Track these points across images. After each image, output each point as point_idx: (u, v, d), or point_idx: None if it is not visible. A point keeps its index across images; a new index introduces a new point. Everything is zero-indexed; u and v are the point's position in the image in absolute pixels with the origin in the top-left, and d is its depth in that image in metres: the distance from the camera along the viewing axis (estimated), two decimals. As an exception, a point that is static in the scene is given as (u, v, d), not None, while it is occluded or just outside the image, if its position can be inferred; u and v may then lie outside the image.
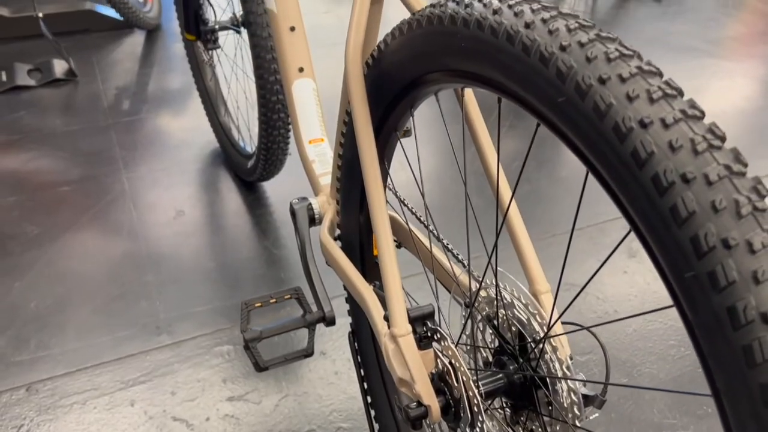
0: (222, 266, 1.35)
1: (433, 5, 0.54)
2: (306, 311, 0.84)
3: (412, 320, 0.62)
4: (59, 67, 1.98)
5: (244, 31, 1.27)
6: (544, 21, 0.45)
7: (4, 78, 1.93)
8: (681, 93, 0.40)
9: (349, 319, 0.93)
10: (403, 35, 0.59)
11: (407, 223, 0.80)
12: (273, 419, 1.04)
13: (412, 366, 0.61)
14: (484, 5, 0.48)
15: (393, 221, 0.84)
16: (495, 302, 0.64)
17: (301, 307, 0.84)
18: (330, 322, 0.84)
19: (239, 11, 1.31)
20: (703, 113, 0.38)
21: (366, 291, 0.76)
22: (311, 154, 1.00)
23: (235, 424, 1.03)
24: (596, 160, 0.41)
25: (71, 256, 1.36)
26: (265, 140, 1.34)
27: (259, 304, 0.82)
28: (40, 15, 1.89)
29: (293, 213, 0.93)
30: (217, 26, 1.37)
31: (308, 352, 0.83)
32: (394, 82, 0.63)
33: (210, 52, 1.44)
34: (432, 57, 0.55)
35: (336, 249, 0.84)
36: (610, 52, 0.41)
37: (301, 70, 1.00)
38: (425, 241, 0.79)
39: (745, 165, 0.36)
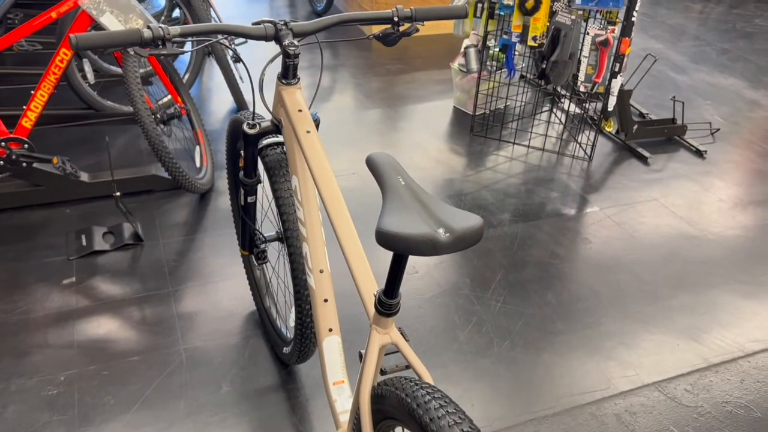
0: (259, 443, 1.68)
1: (405, 393, 0.91)
2: None
3: None
4: (128, 231, 2.38)
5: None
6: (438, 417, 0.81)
7: (84, 242, 2.33)
8: None
9: None
10: (384, 397, 0.95)
11: None
12: None
13: None
14: (428, 414, 0.85)
15: None
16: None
17: None
18: None
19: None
20: None
21: None
22: (334, 394, 1.34)
23: None
24: None
25: (141, 426, 1.70)
26: (300, 329, 1.68)
27: None
28: (118, 194, 2.30)
29: (319, 446, 1.26)
30: (266, 247, 1.74)
31: None
32: (382, 412, 0.99)
33: (260, 264, 1.82)
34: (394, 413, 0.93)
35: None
36: None
37: (330, 330, 1.36)
38: None
39: None
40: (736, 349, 2.10)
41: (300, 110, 1.36)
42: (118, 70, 3.25)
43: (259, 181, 1.63)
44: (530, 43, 3.03)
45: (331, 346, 1.36)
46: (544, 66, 2.97)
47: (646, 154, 3.19)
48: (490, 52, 3.28)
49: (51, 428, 1.69)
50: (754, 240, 2.66)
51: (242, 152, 1.62)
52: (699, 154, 3.27)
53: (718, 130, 3.53)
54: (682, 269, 2.46)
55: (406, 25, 1.37)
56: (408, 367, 1.02)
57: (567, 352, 2.05)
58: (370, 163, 1.00)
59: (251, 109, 1.56)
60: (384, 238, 0.82)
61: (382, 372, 1.06)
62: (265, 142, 1.54)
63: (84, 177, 2.56)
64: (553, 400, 1.88)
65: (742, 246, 2.62)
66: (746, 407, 1.89)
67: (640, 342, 2.11)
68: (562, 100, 3.63)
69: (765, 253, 2.59)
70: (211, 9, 3.34)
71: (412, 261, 2.39)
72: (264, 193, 1.86)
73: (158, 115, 2.55)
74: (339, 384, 1.35)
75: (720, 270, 2.47)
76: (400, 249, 0.81)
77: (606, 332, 2.14)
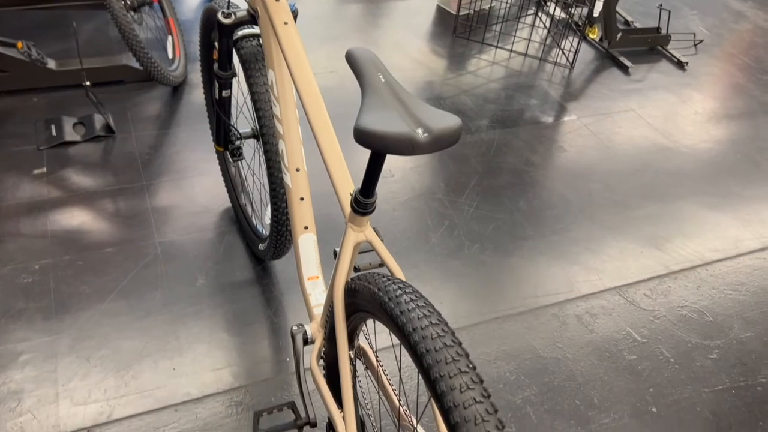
0: (232, 332, 1.74)
1: (377, 287, 0.93)
2: (297, 417, 1.23)
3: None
4: (99, 123, 2.33)
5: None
6: (422, 328, 0.84)
7: (53, 132, 2.27)
8: (481, 381, 0.78)
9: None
10: (357, 291, 0.98)
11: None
12: None
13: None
14: (398, 307, 0.88)
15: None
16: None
17: (294, 414, 1.23)
18: (314, 425, 1.23)
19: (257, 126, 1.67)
20: (489, 395, 0.77)
21: (338, 418, 1.15)
22: (309, 288, 1.38)
23: None
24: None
25: (117, 314, 1.74)
26: (276, 227, 1.70)
27: (266, 413, 1.22)
28: (88, 83, 2.22)
29: (293, 336, 1.31)
30: (241, 144, 1.72)
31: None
32: (354, 305, 1.02)
33: (235, 161, 1.80)
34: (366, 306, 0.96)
35: (320, 377, 1.24)
36: (448, 356, 0.80)
37: (306, 228, 1.37)
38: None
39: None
40: (696, 258, 2.19)
41: None
42: (84, -51, 3.04)
43: (234, 75, 1.59)
44: (519, -60, 2.91)
45: (307, 243, 1.38)
46: (532, -34, 2.86)
47: (627, 63, 3.16)
48: (478, -52, 3.15)
49: (28, 314, 1.72)
50: (725, 154, 2.71)
51: (216, 44, 1.57)
52: (680, 65, 3.25)
53: (702, 41, 3.50)
54: (652, 180, 2.51)
55: None
56: (381, 264, 1.05)
57: (534, 256, 2.12)
58: (350, 58, 0.97)
59: None
60: (362, 136, 0.81)
61: (356, 269, 1.09)
62: (240, 33, 1.49)
63: (51, 64, 2.46)
64: (518, 301, 1.96)
65: (712, 159, 2.66)
66: (699, 312, 2.00)
67: (606, 249, 2.18)
68: (548, 3, 3.54)
69: (734, 166, 2.64)
70: None
71: (388, 164, 2.39)
72: (239, 87, 1.82)
73: (128, 1, 2.42)
74: (314, 279, 1.39)
75: (689, 182, 2.53)
76: (378, 147, 0.81)
77: (573, 238, 2.20)
